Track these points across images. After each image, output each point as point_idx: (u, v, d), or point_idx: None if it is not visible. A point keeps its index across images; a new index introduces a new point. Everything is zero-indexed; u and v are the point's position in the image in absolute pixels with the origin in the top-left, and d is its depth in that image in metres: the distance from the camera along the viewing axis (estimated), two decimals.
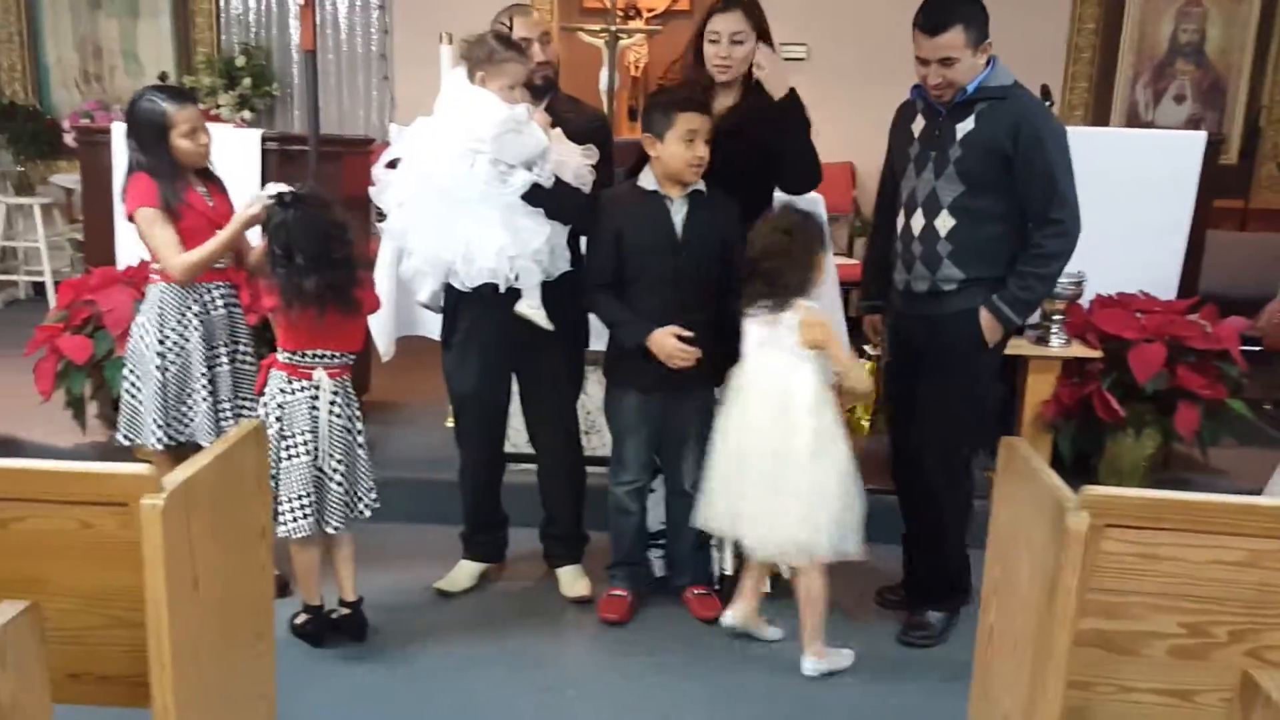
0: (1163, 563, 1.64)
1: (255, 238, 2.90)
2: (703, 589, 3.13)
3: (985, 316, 2.77)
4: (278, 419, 2.72)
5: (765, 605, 2.96)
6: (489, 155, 2.73)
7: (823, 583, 2.77)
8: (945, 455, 2.90)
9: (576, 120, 3.04)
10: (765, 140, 2.92)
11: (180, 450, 2.82)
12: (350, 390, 2.83)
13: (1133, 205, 3.82)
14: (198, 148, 2.87)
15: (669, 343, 2.85)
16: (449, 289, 2.97)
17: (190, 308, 2.90)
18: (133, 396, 2.94)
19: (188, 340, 2.90)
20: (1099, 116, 6.82)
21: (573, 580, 3.22)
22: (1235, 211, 6.28)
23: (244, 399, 2.99)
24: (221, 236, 2.84)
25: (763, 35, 2.92)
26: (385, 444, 3.94)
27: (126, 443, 3.00)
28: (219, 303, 2.96)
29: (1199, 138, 4.11)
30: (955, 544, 2.99)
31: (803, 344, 2.70)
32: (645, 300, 2.90)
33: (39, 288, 6.71)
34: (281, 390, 2.74)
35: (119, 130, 3.59)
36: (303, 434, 2.71)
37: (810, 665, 2.78)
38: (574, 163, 2.88)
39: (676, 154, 2.82)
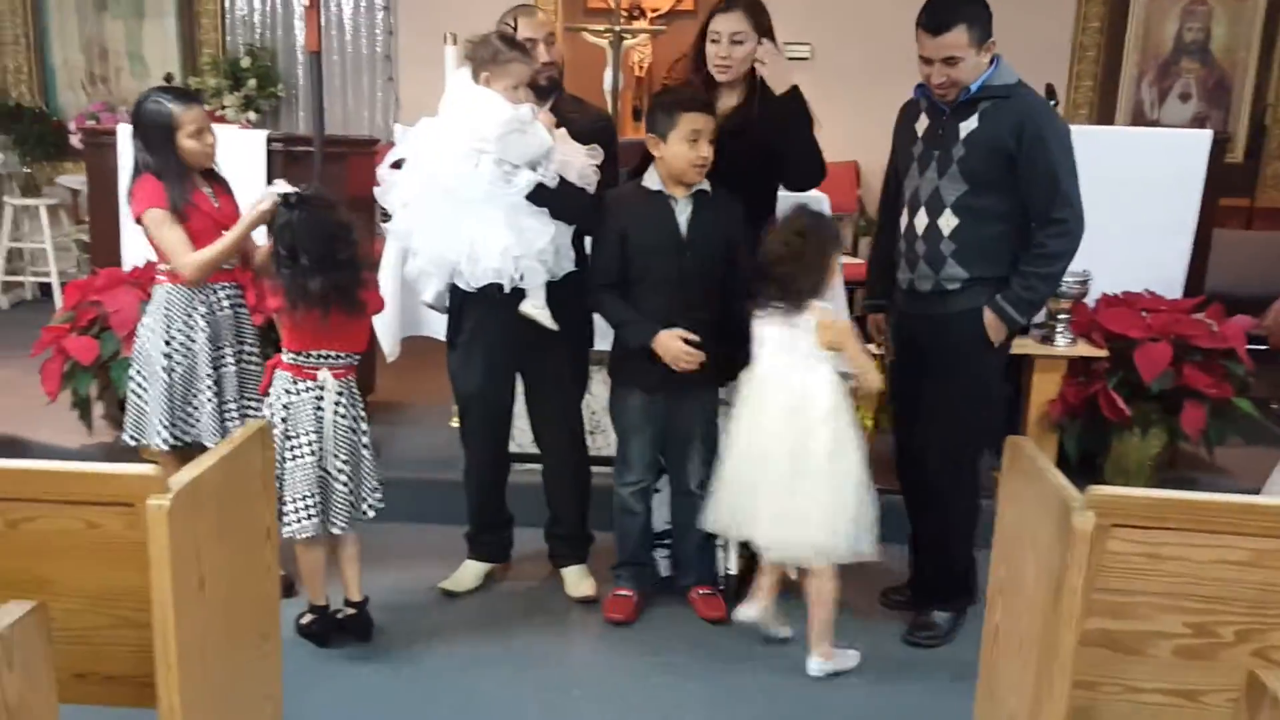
0: (1168, 562, 1.64)
1: (260, 238, 2.90)
2: (708, 589, 3.13)
3: (989, 317, 2.77)
4: (283, 419, 2.72)
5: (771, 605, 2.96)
6: (493, 155, 2.73)
7: (834, 584, 2.77)
8: (950, 455, 2.89)
9: (581, 120, 3.04)
10: (768, 139, 2.92)
11: (186, 451, 2.83)
12: (355, 390, 2.83)
13: (1138, 204, 3.81)
14: (204, 148, 2.87)
15: (674, 345, 2.85)
16: (454, 289, 2.97)
17: (196, 308, 2.91)
18: (139, 397, 2.95)
19: (194, 341, 2.90)
20: (1104, 115, 6.80)
21: (578, 580, 3.22)
22: (1241, 210, 6.27)
23: (250, 399, 3.00)
24: (232, 234, 2.85)
25: (765, 35, 2.92)
26: (390, 444, 3.95)
27: (133, 443, 3.01)
28: (225, 303, 2.96)
29: (1204, 136, 4.09)
30: (961, 544, 2.98)
31: (821, 345, 2.70)
32: (650, 300, 2.90)
33: (45, 288, 6.72)
34: (286, 391, 2.74)
35: (125, 132, 3.60)
36: (307, 434, 2.72)
37: (816, 665, 2.78)
38: (578, 163, 2.88)
39: (680, 154, 2.81)
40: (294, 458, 2.71)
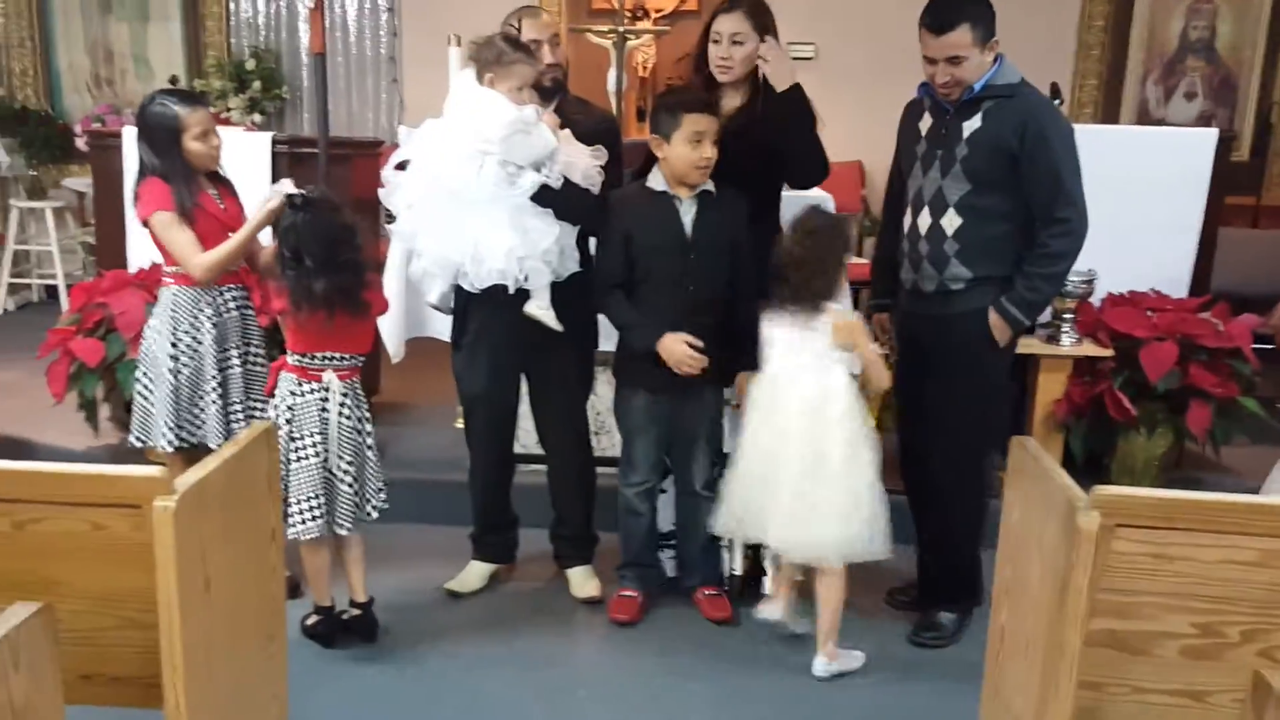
0: (1174, 562, 1.64)
1: (266, 239, 2.91)
2: (713, 589, 3.13)
3: (994, 318, 2.77)
4: (287, 421, 2.73)
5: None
6: (498, 157, 2.73)
7: (843, 584, 2.77)
8: (955, 455, 2.89)
9: (585, 121, 3.04)
10: (771, 139, 2.92)
11: (192, 452, 2.83)
12: (360, 392, 2.83)
13: (1144, 203, 3.80)
14: (209, 150, 2.88)
15: (678, 349, 2.85)
16: (459, 290, 2.98)
17: (203, 310, 2.91)
18: (145, 399, 2.96)
19: (201, 343, 2.91)
20: (1109, 114, 6.80)
21: (583, 581, 3.23)
22: (1247, 208, 6.24)
23: (256, 401, 3.00)
24: (242, 233, 2.85)
25: (767, 35, 2.92)
26: (395, 445, 3.95)
27: (139, 445, 3.02)
28: (231, 305, 2.97)
29: (1210, 135, 4.08)
30: (966, 544, 2.98)
31: (837, 345, 2.70)
32: (655, 301, 2.90)
33: (51, 291, 6.74)
34: (291, 392, 2.74)
35: (130, 134, 3.61)
36: (312, 436, 2.72)
37: (821, 666, 2.78)
38: (583, 164, 2.88)
39: (682, 155, 2.81)
40: (299, 459, 2.72)
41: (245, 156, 3.73)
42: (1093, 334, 3.70)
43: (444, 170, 2.78)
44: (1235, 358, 3.65)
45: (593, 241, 3.01)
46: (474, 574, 3.26)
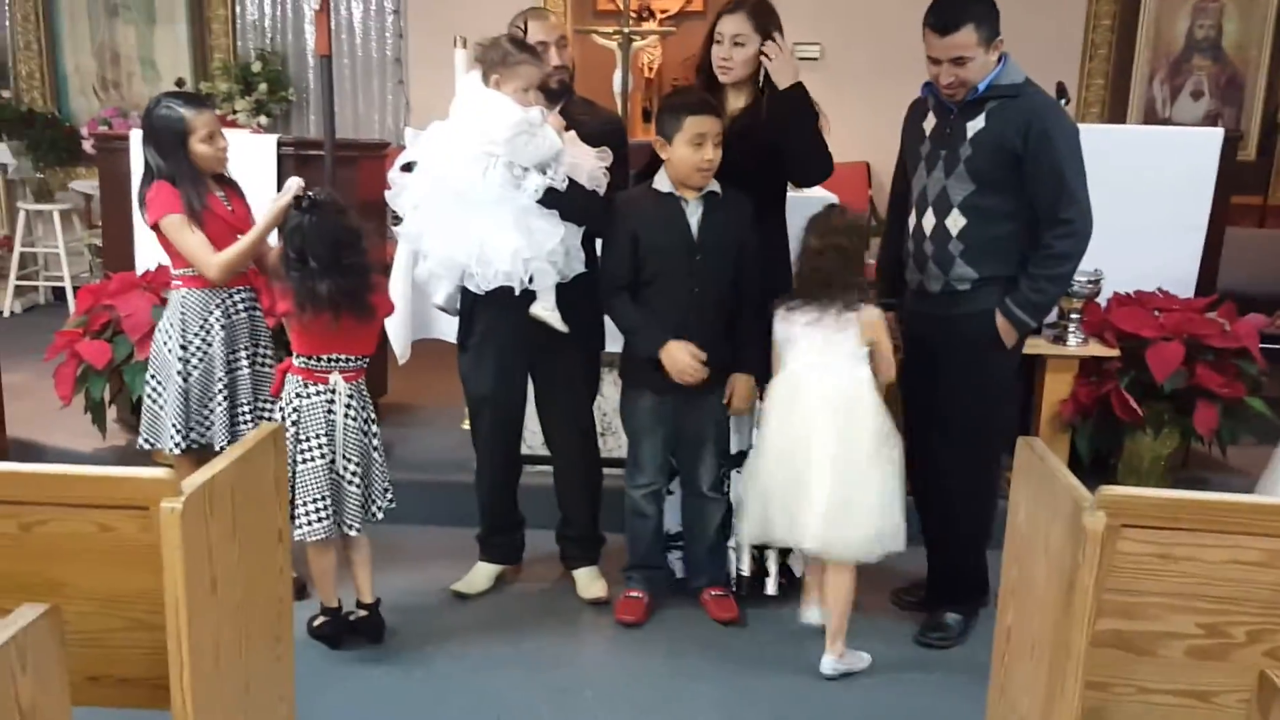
0: (1180, 563, 1.63)
1: (273, 240, 2.91)
2: (720, 590, 3.13)
3: (1000, 321, 2.76)
4: (293, 423, 2.73)
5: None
6: (503, 158, 2.74)
7: (853, 583, 2.76)
8: (963, 456, 2.88)
9: (591, 123, 3.04)
10: (774, 140, 2.92)
11: (201, 454, 2.84)
12: (365, 393, 2.84)
13: (1150, 203, 3.80)
14: (216, 153, 2.89)
15: (681, 357, 2.85)
16: (465, 291, 2.98)
17: (213, 312, 2.92)
18: (154, 401, 2.97)
19: (210, 345, 2.92)
20: (1115, 114, 6.78)
21: (589, 582, 3.23)
22: (1254, 208, 6.23)
23: (264, 402, 3.00)
24: (255, 231, 2.86)
25: (770, 37, 2.91)
26: (402, 446, 3.96)
27: (148, 446, 3.03)
28: (240, 307, 2.98)
29: (1217, 134, 4.08)
30: (972, 545, 2.98)
31: (865, 342, 2.71)
32: (661, 302, 2.90)
33: (58, 293, 6.77)
34: (297, 394, 2.75)
35: (137, 137, 3.62)
36: (318, 437, 2.73)
37: (830, 664, 2.78)
38: (588, 165, 2.89)
39: (684, 157, 2.81)
40: (305, 460, 2.72)
41: (251, 159, 3.74)
42: (1099, 334, 3.70)
43: (450, 172, 2.78)
44: (1242, 358, 3.65)
45: (598, 242, 3.01)
46: (481, 575, 3.26)
